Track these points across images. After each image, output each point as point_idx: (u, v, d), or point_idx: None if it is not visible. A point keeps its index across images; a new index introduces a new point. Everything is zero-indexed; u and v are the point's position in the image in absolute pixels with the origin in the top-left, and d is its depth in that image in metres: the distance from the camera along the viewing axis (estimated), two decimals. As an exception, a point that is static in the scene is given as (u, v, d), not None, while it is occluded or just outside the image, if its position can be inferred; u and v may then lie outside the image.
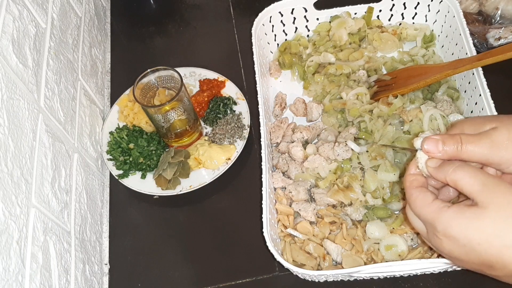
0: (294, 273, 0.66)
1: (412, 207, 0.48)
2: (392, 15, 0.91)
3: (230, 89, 0.89)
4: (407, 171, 0.51)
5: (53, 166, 0.66)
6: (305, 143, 0.80)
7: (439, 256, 0.66)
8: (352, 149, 0.76)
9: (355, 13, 0.90)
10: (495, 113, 0.70)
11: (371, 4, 0.89)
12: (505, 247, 0.41)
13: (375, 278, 0.70)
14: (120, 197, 0.84)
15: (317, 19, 0.91)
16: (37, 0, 0.70)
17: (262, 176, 0.69)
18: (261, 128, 0.75)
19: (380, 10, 0.90)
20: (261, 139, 0.73)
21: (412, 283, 0.70)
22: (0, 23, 0.58)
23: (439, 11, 0.87)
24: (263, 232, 0.64)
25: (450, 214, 0.44)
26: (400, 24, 0.91)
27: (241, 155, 0.82)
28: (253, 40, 0.83)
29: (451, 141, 0.47)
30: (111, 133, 0.85)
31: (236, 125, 0.84)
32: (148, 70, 0.77)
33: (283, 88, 0.90)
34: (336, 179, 0.75)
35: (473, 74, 0.76)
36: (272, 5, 0.86)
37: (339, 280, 0.70)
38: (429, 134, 0.49)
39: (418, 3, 0.88)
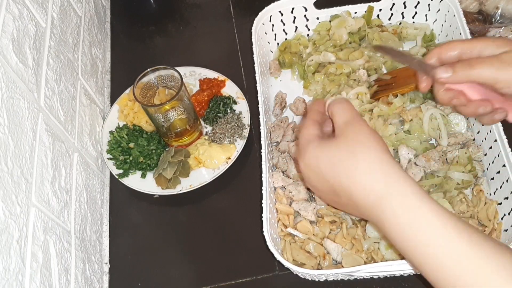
0: (294, 273, 0.66)
1: (300, 133, 0.54)
2: (392, 14, 0.91)
3: (230, 89, 0.89)
4: (311, 107, 0.57)
5: (53, 165, 0.66)
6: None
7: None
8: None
9: (355, 13, 0.90)
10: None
11: (371, 4, 0.89)
12: (343, 172, 0.47)
13: (375, 277, 0.70)
14: (120, 196, 0.85)
15: (317, 18, 0.91)
16: (37, 0, 0.70)
17: (262, 175, 0.69)
18: (261, 127, 0.75)
19: (380, 10, 0.90)
20: (261, 139, 0.73)
21: (412, 282, 0.70)
22: (0, 22, 0.58)
23: (439, 10, 0.87)
24: (263, 232, 0.64)
25: (312, 144, 0.51)
26: (400, 23, 0.91)
27: (241, 154, 0.82)
28: (253, 40, 0.83)
29: (461, 65, 0.51)
30: (111, 132, 0.85)
31: (236, 125, 0.84)
32: (148, 69, 0.77)
33: (283, 88, 0.90)
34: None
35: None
36: (272, 4, 0.86)
37: (339, 279, 0.70)
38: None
39: (418, 2, 0.88)
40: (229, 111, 0.86)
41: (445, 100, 0.54)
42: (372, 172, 0.46)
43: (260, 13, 0.86)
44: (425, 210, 0.44)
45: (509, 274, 0.41)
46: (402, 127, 0.78)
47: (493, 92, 0.52)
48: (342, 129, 0.50)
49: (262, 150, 0.71)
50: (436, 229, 0.43)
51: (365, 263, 0.68)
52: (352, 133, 0.49)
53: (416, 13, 0.90)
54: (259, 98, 0.76)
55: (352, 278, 0.69)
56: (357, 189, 0.47)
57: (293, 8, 0.88)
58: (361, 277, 0.69)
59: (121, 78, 0.98)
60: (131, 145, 0.82)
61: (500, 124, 0.69)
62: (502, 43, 0.52)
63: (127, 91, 0.91)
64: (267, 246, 0.63)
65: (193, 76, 0.93)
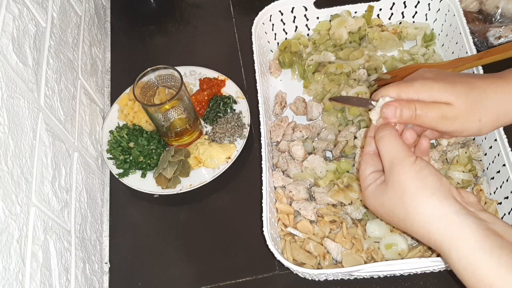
0: (294, 272, 0.66)
1: (359, 171, 0.56)
2: (392, 14, 0.91)
3: (230, 88, 0.89)
4: (367, 134, 0.57)
5: (53, 165, 0.66)
6: (305, 140, 0.81)
7: (439, 255, 0.66)
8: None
9: (355, 12, 0.90)
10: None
11: (371, 3, 0.89)
12: (398, 221, 0.50)
13: (375, 277, 0.70)
14: (120, 196, 0.85)
15: (317, 18, 0.91)
16: (37, -1, 0.70)
17: (262, 175, 0.69)
18: (261, 127, 0.75)
19: (380, 9, 0.90)
20: (261, 138, 0.73)
21: (412, 282, 0.70)
22: (0, 22, 0.58)
23: (439, 10, 0.87)
24: (263, 231, 0.64)
25: (369, 192, 0.53)
26: (400, 23, 0.91)
27: (241, 154, 0.82)
28: (253, 39, 0.83)
29: (407, 109, 0.52)
30: (111, 132, 0.85)
31: (236, 124, 0.84)
32: (148, 69, 0.77)
33: (283, 87, 0.90)
34: (337, 179, 0.75)
35: (473, 73, 0.76)
36: (272, 4, 0.86)
37: (339, 279, 0.70)
38: (389, 99, 0.54)
39: (418, 2, 0.88)
40: (229, 110, 0.86)
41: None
42: (424, 223, 0.47)
43: (260, 13, 0.86)
44: (485, 260, 0.44)
45: None
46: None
47: None
48: (388, 173, 0.50)
49: (262, 150, 0.71)
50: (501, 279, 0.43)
51: (365, 262, 0.68)
52: (397, 180, 0.49)
53: (416, 12, 0.90)
54: (259, 98, 0.76)
55: (352, 277, 0.69)
56: (417, 235, 0.49)
57: (293, 8, 0.88)
58: (361, 277, 0.69)
59: (121, 78, 0.98)
60: (131, 144, 0.82)
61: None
62: (444, 89, 0.52)
63: (127, 90, 0.91)
64: (267, 245, 0.63)
65: (193, 75, 0.93)
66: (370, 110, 0.56)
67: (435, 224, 0.46)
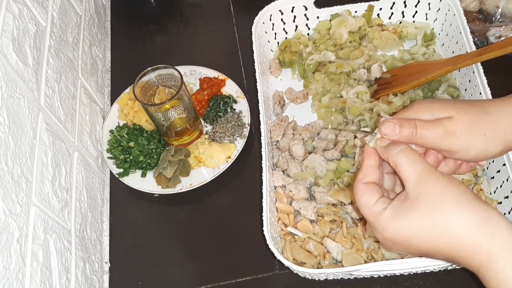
0: (294, 272, 0.66)
1: (358, 204, 0.49)
2: (392, 13, 0.91)
3: (231, 88, 0.89)
4: (363, 162, 0.51)
5: (54, 164, 0.66)
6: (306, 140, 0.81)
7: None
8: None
9: (356, 12, 0.90)
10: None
11: (372, 2, 0.89)
12: (437, 237, 0.44)
13: (375, 276, 0.70)
14: (121, 195, 0.85)
15: (318, 17, 0.91)
16: (37, -1, 0.70)
17: (263, 174, 0.69)
18: (261, 126, 0.75)
19: (381, 9, 0.90)
20: (261, 138, 0.73)
21: (412, 282, 0.70)
22: (0, 22, 0.58)
23: (439, 9, 0.87)
24: (263, 231, 0.64)
25: (386, 217, 0.46)
26: (400, 22, 0.91)
27: (242, 153, 0.82)
28: (253, 39, 0.83)
29: (407, 126, 0.49)
30: (111, 131, 0.85)
31: (236, 124, 0.84)
32: (148, 68, 0.77)
33: (283, 87, 0.89)
34: (337, 178, 0.75)
35: (473, 72, 0.76)
36: (272, 3, 0.86)
37: (339, 278, 0.70)
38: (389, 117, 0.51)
39: (419, 1, 0.88)
40: (229, 110, 0.86)
41: None
42: (471, 229, 0.43)
43: (260, 12, 0.86)
44: None
45: None
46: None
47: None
48: (416, 188, 0.45)
49: (262, 149, 0.71)
50: None
51: (365, 262, 0.68)
52: (431, 191, 0.44)
53: (416, 12, 0.90)
54: (259, 97, 0.76)
55: (352, 277, 0.69)
56: (458, 251, 0.44)
57: (293, 7, 0.88)
58: (361, 276, 0.69)
59: (121, 77, 0.98)
60: (131, 144, 0.82)
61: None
62: (444, 106, 0.50)
63: (127, 90, 0.91)
64: (267, 245, 0.63)
65: (193, 75, 0.93)
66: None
67: (481, 231, 0.42)
